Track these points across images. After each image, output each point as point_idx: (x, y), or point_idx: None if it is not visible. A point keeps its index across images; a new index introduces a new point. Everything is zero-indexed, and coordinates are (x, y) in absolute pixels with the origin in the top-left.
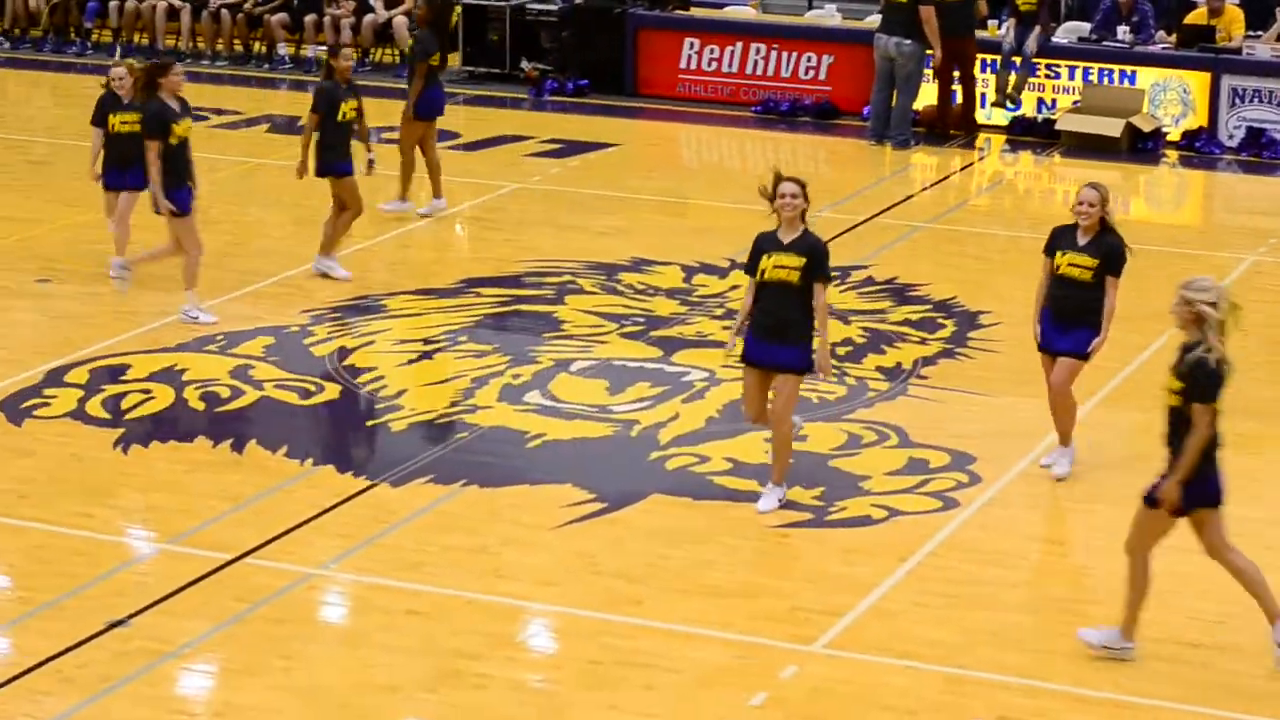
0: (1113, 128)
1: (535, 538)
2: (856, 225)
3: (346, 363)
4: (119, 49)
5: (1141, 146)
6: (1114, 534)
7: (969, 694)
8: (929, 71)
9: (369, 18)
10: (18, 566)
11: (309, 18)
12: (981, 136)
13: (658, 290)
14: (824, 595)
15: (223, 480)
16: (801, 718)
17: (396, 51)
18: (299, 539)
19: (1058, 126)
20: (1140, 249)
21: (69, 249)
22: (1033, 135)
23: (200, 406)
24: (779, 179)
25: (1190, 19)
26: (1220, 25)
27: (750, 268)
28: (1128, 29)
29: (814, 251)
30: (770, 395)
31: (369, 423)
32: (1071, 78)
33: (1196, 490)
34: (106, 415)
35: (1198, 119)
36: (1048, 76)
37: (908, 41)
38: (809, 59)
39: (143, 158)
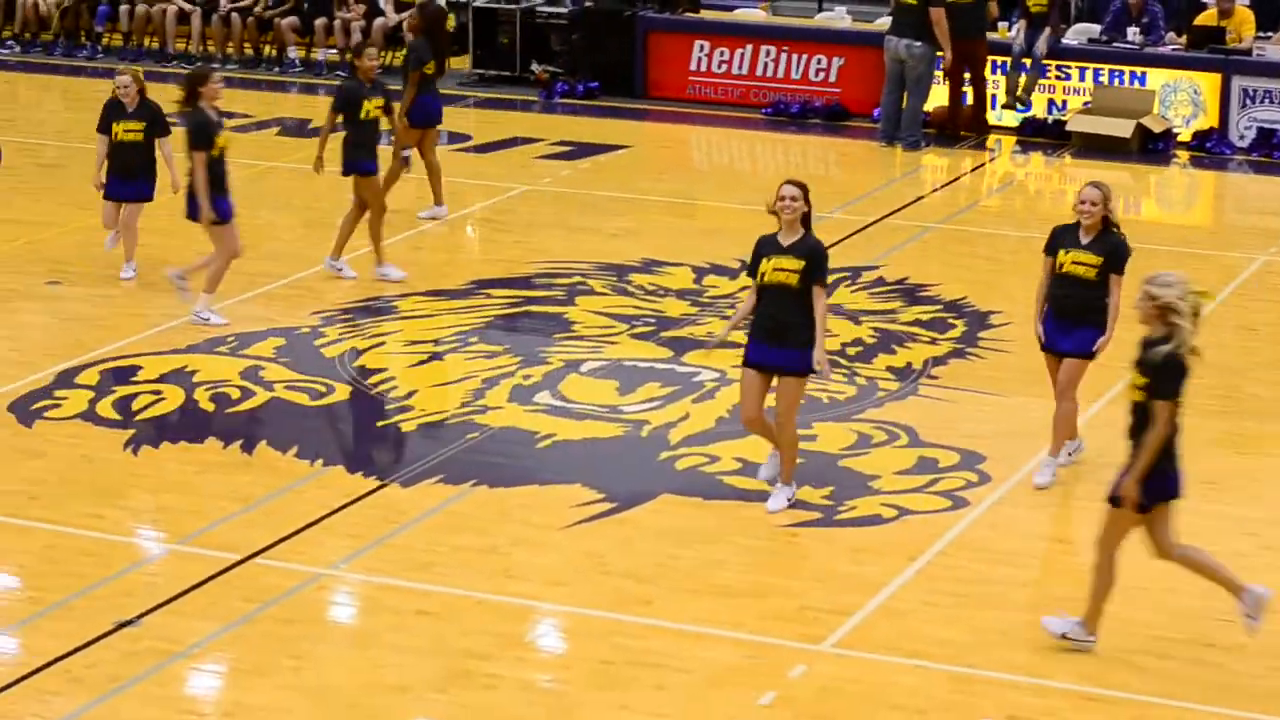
0: (1123, 129)
1: (545, 538)
2: (867, 226)
3: (357, 364)
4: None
5: (1152, 147)
6: None
7: (978, 693)
8: (939, 73)
9: (379, 21)
10: (28, 567)
11: (319, 21)
12: (992, 138)
13: (668, 291)
14: (833, 594)
15: (233, 481)
16: (810, 717)
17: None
18: (309, 539)
19: (1068, 128)
20: (1151, 249)
21: (79, 251)
22: (1043, 136)
23: (211, 408)
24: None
25: (1200, 20)
26: (1230, 26)
27: (751, 270)
28: (1138, 30)
29: (813, 255)
30: (772, 399)
31: (379, 423)
32: (1082, 79)
33: (1156, 485)
34: (117, 416)
35: (1208, 120)
36: (1058, 78)
37: (918, 43)
38: (819, 61)
39: (145, 168)
